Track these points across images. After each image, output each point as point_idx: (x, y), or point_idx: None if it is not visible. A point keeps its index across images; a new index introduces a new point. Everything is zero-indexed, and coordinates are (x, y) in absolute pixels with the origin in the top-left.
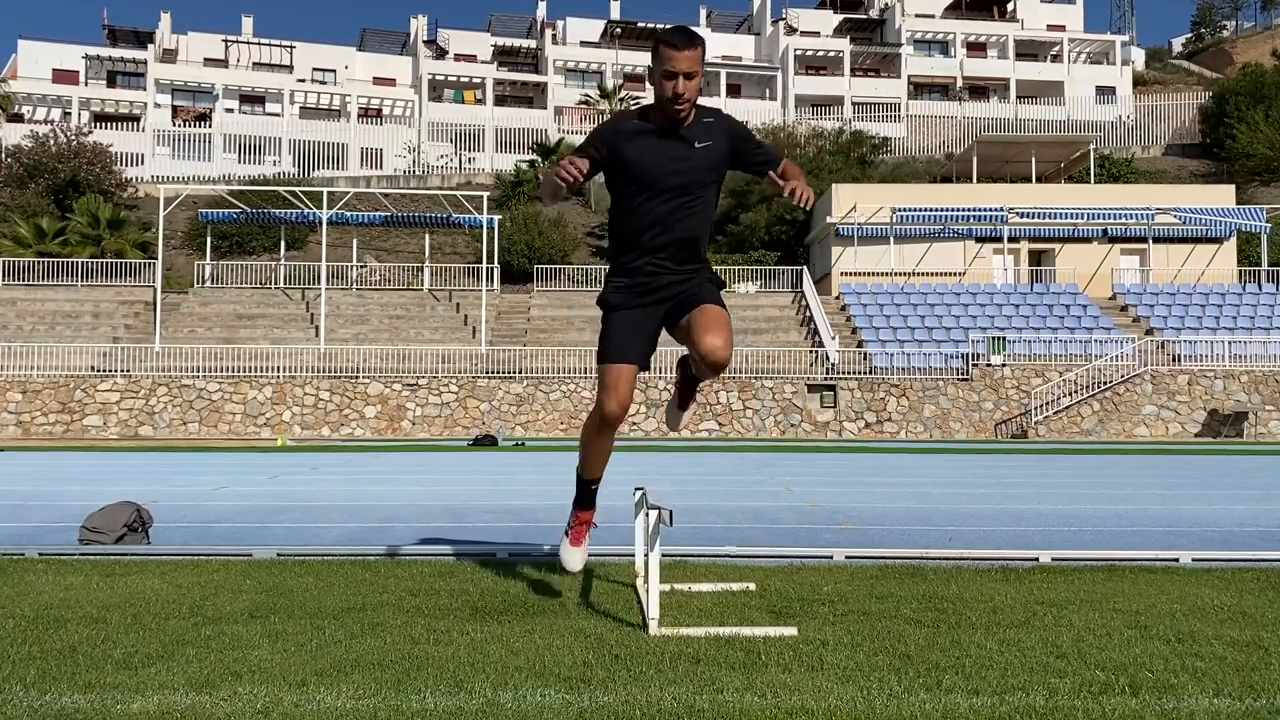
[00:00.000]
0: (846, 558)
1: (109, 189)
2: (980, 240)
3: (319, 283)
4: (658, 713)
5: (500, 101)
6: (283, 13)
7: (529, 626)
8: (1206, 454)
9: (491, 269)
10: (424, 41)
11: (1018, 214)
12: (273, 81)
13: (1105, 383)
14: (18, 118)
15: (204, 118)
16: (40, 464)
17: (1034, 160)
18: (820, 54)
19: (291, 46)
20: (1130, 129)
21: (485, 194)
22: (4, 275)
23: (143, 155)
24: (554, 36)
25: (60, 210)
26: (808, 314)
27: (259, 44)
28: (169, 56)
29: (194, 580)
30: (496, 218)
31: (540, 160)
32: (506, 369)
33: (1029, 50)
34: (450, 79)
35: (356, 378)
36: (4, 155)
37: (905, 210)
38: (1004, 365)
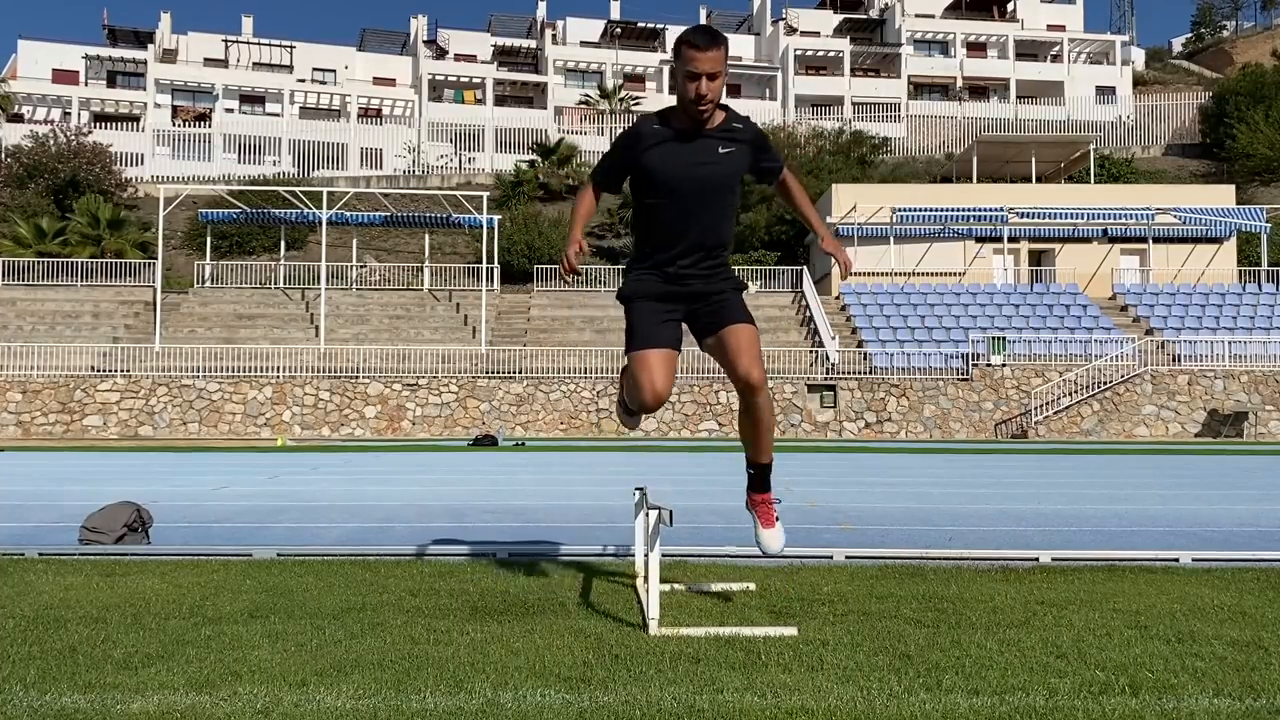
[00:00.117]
0: (846, 558)
1: (109, 189)
2: (980, 240)
3: (319, 283)
4: (658, 713)
5: (500, 101)
6: (283, 13)
7: (529, 626)
8: (1206, 454)
9: (491, 269)
10: (424, 41)
11: (1018, 214)
12: (273, 81)
13: (1105, 383)
14: (18, 118)
15: (204, 118)
16: (40, 464)
17: (1034, 160)
18: (820, 54)
19: (291, 46)
20: (1130, 129)
21: (485, 194)
22: (4, 275)
23: (143, 155)
24: (554, 36)
25: (60, 210)
26: (808, 314)
27: (259, 44)
28: (169, 56)
29: (194, 580)
30: (496, 218)
31: (540, 160)
32: (506, 369)
33: (1029, 50)
34: (450, 79)
35: (356, 378)
36: (4, 155)
37: (905, 210)
38: (1004, 365)
